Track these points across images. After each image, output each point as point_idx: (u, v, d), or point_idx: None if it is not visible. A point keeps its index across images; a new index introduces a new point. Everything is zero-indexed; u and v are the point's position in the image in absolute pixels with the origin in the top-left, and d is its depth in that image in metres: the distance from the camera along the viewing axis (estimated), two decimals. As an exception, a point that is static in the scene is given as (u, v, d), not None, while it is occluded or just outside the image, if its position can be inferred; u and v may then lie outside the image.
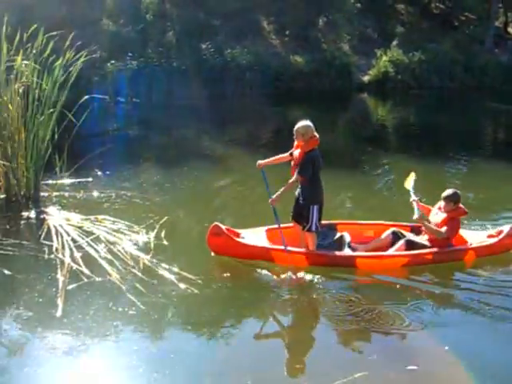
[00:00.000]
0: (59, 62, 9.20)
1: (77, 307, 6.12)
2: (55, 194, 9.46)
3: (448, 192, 7.65)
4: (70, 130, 9.45)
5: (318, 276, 6.94)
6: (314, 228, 7.25)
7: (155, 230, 8.04)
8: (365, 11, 29.19)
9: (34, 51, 9.11)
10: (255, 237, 7.58)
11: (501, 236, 7.78)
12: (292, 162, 7.39)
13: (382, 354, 5.54)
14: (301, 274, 6.99)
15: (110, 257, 7.27)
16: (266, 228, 7.78)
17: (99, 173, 11.03)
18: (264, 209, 7.86)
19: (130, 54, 21.59)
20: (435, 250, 7.50)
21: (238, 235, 7.53)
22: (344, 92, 24.63)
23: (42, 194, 9.46)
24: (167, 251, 7.53)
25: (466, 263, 7.62)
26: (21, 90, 9.13)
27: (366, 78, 26.42)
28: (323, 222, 7.50)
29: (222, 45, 23.71)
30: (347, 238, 7.69)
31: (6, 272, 6.80)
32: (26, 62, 9.10)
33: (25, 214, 8.84)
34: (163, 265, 7.05)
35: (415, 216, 7.59)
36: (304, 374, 5.22)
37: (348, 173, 12.17)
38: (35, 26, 9.08)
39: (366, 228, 8.20)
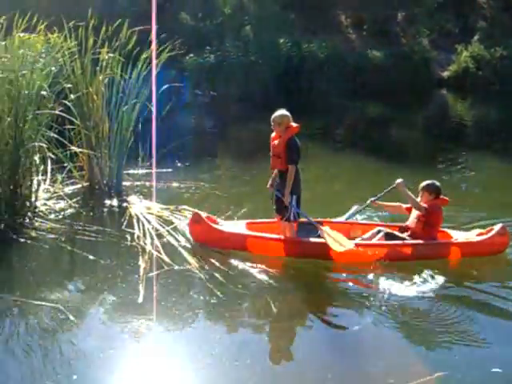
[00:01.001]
0: (144, 54, 9.40)
1: (158, 294, 6.24)
2: (136, 183, 9.70)
3: (426, 182, 7.45)
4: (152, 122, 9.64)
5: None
6: (292, 218, 7.18)
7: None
8: (445, 5, 28.59)
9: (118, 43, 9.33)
10: (234, 227, 7.59)
11: (490, 234, 7.47)
12: (271, 153, 7.32)
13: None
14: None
15: (189, 246, 7.42)
16: (246, 221, 7.82)
17: (179, 164, 11.26)
18: (341, 201, 7.80)
19: (207, 48, 21.85)
20: (416, 241, 7.28)
21: (217, 223, 7.60)
22: (422, 88, 24.21)
23: (124, 183, 9.71)
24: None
25: (450, 261, 7.36)
26: (105, 82, 9.39)
27: (445, 74, 25.98)
28: (312, 218, 7.48)
29: (299, 39, 23.68)
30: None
31: (91, 257, 7.00)
32: (110, 54, 9.32)
33: (107, 202, 9.10)
34: (242, 256, 7.12)
35: (398, 180, 7.45)
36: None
37: (423, 169, 11.93)
38: (120, 19, 9.29)
39: (354, 227, 8.01)
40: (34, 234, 7.77)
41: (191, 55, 20.96)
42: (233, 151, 13.22)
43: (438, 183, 7.49)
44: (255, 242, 7.28)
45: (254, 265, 6.89)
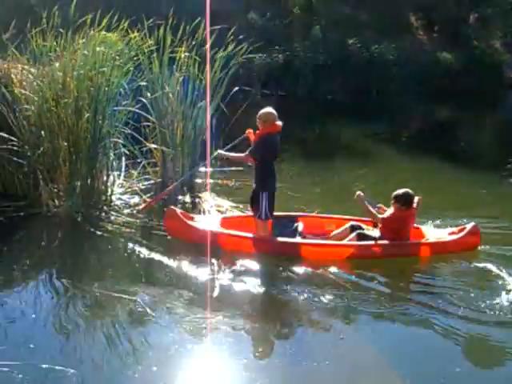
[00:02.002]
0: (220, 54, 9.51)
1: (231, 291, 6.33)
2: (209, 181, 9.83)
3: (396, 192, 7.35)
4: (226, 120, 9.76)
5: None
6: (263, 216, 7.17)
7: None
8: (519, 7, 27.89)
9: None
10: (208, 222, 7.65)
11: (461, 234, 7.45)
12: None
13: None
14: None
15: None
16: (221, 216, 7.95)
17: (250, 164, 11.31)
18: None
19: (276, 48, 21.93)
20: (385, 242, 7.26)
21: (191, 219, 7.66)
22: (493, 91, 23.68)
23: (196, 180, 9.86)
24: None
25: (421, 259, 7.33)
26: (180, 80, 9.55)
27: (517, 77, 25.34)
28: (286, 213, 7.78)
29: (369, 40, 23.51)
30: (300, 227, 7.64)
31: (165, 252, 7.20)
32: (187, 53, 9.47)
33: (180, 198, 9.26)
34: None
35: (358, 192, 7.42)
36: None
37: (493, 175, 11.66)
38: (199, 18, 9.43)
39: (328, 221, 8.04)
40: (109, 227, 8.01)
41: (259, 55, 21.06)
42: (302, 151, 13.23)
43: (410, 192, 7.36)
44: (224, 238, 7.34)
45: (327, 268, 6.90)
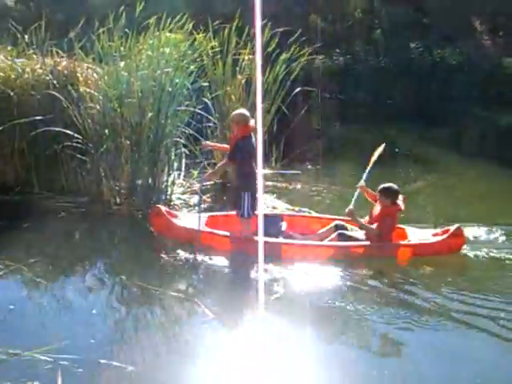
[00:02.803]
0: (283, 56, 9.51)
1: (291, 292, 6.33)
2: (268, 183, 9.83)
3: (383, 186, 7.26)
4: (285, 123, 9.75)
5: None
6: (246, 215, 7.26)
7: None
8: None
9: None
10: (193, 221, 7.61)
11: (445, 235, 7.31)
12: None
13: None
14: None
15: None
16: (208, 214, 7.95)
17: (309, 166, 11.31)
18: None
19: (337, 51, 21.81)
20: (365, 243, 7.22)
21: (176, 217, 7.75)
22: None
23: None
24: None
25: (401, 260, 7.22)
26: (243, 82, 9.58)
27: None
28: (271, 212, 8.02)
29: (432, 44, 23.12)
30: (283, 226, 7.70)
31: (225, 253, 7.21)
32: (250, 56, 9.51)
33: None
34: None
35: (349, 207, 7.28)
36: None
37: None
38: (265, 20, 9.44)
39: (314, 221, 8.06)
40: (169, 226, 8.06)
41: (320, 57, 20.97)
42: (360, 155, 13.06)
43: (395, 187, 7.28)
44: (204, 236, 7.35)
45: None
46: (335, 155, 12.81)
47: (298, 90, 10.21)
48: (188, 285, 6.43)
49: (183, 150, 9.43)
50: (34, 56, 10.19)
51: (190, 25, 8.99)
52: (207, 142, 8.00)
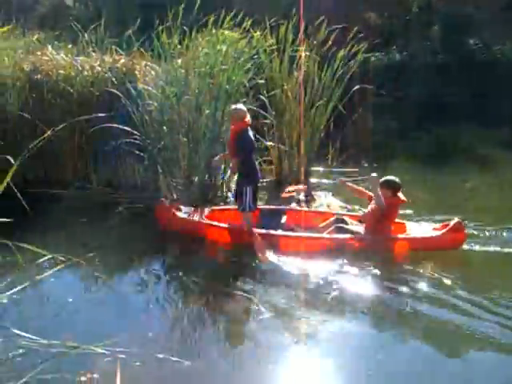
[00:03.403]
0: (340, 53, 9.44)
1: (350, 292, 6.22)
2: (324, 180, 9.78)
3: (385, 178, 7.28)
4: (343, 121, 9.68)
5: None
6: (247, 208, 7.37)
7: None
8: None
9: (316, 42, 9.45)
10: (195, 214, 7.85)
11: (444, 230, 7.25)
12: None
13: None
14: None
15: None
16: (210, 208, 8.10)
17: (366, 164, 11.20)
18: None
19: (393, 48, 21.52)
20: (362, 236, 7.26)
21: (179, 210, 7.91)
22: None
23: (311, 180, 9.84)
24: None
25: (398, 254, 7.23)
26: (300, 79, 9.54)
27: None
28: (273, 206, 8.16)
29: (491, 41, 22.57)
30: (283, 219, 7.83)
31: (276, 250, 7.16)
32: (307, 53, 9.46)
33: (295, 194, 9.23)
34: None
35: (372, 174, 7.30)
36: None
37: None
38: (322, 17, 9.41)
39: (315, 215, 8.11)
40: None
41: (376, 54, 20.74)
42: (418, 154, 12.90)
43: (397, 180, 7.28)
44: (207, 228, 7.54)
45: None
46: (391, 153, 12.65)
47: (356, 87, 10.06)
48: (243, 282, 6.40)
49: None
50: (93, 54, 10.37)
51: (248, 22, 9.00)
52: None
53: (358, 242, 7.25)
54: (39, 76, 10.20)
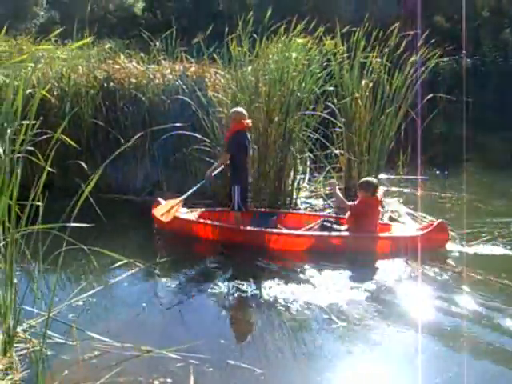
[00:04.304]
0: (412, 59, 9.32)
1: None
2: (393, 188, 9.66)
3: (364, 179, 7.68)
4: (413, 127, 9.54)
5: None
6: (236, 208, 7.68)
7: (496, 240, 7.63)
8: None
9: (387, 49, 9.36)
10: (189, 214, 8.16)
11: (427, 230, 7.36)
12: None
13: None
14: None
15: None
16: (203, 209, 8.37)
17: (437, 172, 11.01)
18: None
19: (463, 52, 21.09)
20: (344, 234, 7.41)
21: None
22: None
23: (380, 187, 9.68)
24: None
25: (381, 253, 7.30)
26: (370, 86, 9.46)
27: None
28: (266, 209, 8.42)
29: None
30: (272, 221, 8.00)
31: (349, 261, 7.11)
32: (378, 59, 9.37)
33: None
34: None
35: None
36: None
37: None
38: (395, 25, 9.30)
39: (306, 218, 8.19)
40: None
41: (445, 59, 20.33)
42: (490, 162, 12.59)
43: (375, 181, 7.66)
44: (198, 227, 7.85)
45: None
46: (463, 160, 12.36)
47: (430, 96, 9.91)
48: (316, 292, 6.36)
49: (308, 154, 9.42)
50: (163, 62, 10.55)
51: (320, 30, 8.99)
52: (209, 173, 7.92)
53: (339, 240, 7.45)
54: (112, 84, 10.45)
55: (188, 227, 7.96)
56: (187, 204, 8.31)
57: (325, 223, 7.64)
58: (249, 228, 7.74)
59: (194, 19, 24.52)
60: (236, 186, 7.72)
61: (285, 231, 7.72)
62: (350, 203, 7.60)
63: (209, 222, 7.93)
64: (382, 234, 7.55)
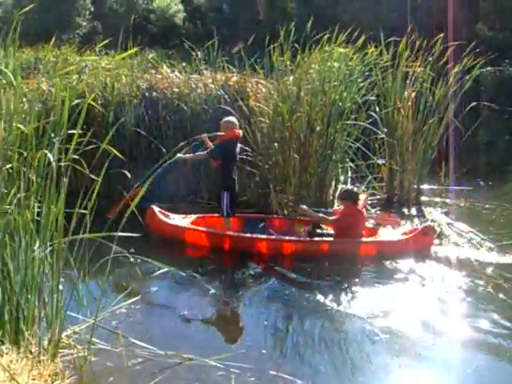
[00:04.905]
0: (455, 69, 9.23)
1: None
2: (436, 199, 9.55)
3: (345, 189, 7.96)
4: (457, 137, 9.44)
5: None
6: (225, 213, 7.82)
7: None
8: None
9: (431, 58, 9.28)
10: (181, 220, 8.29)
11: (411, 234, 7.58)
12: None
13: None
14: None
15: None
16: (196, 215, 8.45)
17: (481, 183, 10.85)
18: None
19: (506, 61, 20.82)
20: (329, 239, 7.61)
21: (167, 216, 8.25)
22: None
23: (422, 198, 9.63)
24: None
25: (365, 256, 7.45)
26: (413, 96, 9.39)
27: None
28: (256, 214, 8.60)
29: None
30: (260, 226, 8.20)
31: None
32: (421, 68, 9.30)
33: (405, 215, 9.07)
34: None
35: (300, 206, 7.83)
36: None
37: None
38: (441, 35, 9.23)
39: (297, 223, 8.31)
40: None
41: (488, 68, 20.04)
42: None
43: (355, 190, 7.84)
44: (188, 233, 7.95)
45: None
46: (507, 170, 12.17)
47: (473, 104, 9.81)
48: (359, 303, 6.31)
49: (349, 164, 9.38)
50: (205, 71, 10.63)
51: (361, 39, 8.97)
52: (181, 156, 7.98)
53: (325, 245, 7.63)
54: (154, 94, 10.56)
55: (182, 234, 8.04)
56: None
57: (309, 229, 7.84)
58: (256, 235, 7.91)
59: (234, 29, 24.68)
60: (224, 192, 7.83)
61: (273, 237, 7.92)
62: (332, 218, 7.75)
63: (202, 228, 8.05)
64: (366, 239, 7.70)
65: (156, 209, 8.27)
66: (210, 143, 8.21)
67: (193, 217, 8.48)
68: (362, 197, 7.96)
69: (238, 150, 8.09)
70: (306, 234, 7.78)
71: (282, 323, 5.99)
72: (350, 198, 7.66)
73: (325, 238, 7.69)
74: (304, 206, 7.83)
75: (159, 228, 8.09)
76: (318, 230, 7.85)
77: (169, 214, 8.43)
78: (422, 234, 7.57)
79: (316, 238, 7.69)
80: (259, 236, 7.88)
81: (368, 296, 6.46)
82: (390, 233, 8.01)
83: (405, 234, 7.77)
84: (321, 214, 7.81)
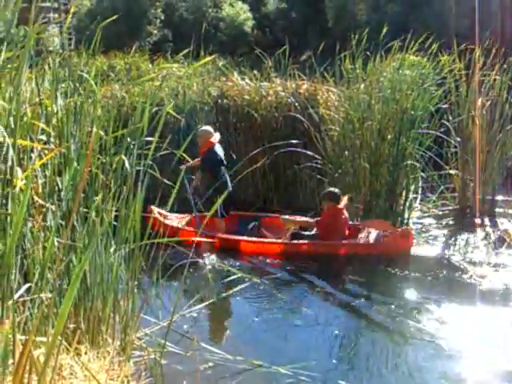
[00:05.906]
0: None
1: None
2: (510, 211, 9.28)
3: (328, 190, 8.04)
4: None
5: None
6: (219, 215, 8.18)
7: None
8: None
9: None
10: (177, 220, 8.64)
11: (390, 236, 7.85)
12: None
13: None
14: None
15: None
16: (192, 215, 8.60)
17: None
18: None
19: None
20: (311, 241, 7.91)
21: (165, 217, 8.40)
22: None
23: (497, 209, 9.39)
24: None
25: (345, 257, 7.71)
26: (488, 104, 9.18)
27: None
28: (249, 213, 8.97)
29: None
30: (253, 226, 8.55)
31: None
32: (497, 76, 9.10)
33: (478, 228, 8.82)
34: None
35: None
36: None
37: None
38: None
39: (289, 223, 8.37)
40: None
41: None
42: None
43: (337, 191, 7.95)
44: (184, 233, 7.97)
45: None
46: None
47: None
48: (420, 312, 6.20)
49: (421, 174, 9.22)
50: (275, 79, 10.68)
51: (434, 46, 8.84)
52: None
53: (308, 246, 7.87)
54: (225, 101, 10.68)
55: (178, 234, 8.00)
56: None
57: (295, 231, 8.12)
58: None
59: (303, 36, 24.67)
60: (218, 195, 7.80)
61: (260, 239, 8.18)
62: (313, 220, 8.08)
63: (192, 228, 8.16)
64: (345, 241, 7.91)
65: (155, 209, 8.23)
66: (196, 160, 8.33)
67: (189, 217, 8.73)
68: (345, 198, 8.15)
69: (221, 151, 8.44)
70: (290, 237, 8.03)
71: (353, 334, 5.93)
72: (333, 198, 7.88)
73: (301, 241, 7.97)
74: (285, 216, 8.31)
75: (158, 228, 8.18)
76: (306, 232, 8.12)
77: (167, 214, 8.48)
78: (401, 235, 7.83)
79: (294, 241, 7.98)
80: (244, 238, 8.17)
81: (434, 306, 6.33)
82: (369, 235, 8.15)
83: (386, 236, 7.99)
84: (304, 218, 8.23)
